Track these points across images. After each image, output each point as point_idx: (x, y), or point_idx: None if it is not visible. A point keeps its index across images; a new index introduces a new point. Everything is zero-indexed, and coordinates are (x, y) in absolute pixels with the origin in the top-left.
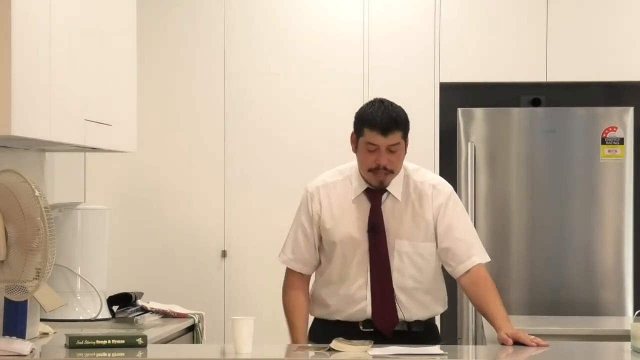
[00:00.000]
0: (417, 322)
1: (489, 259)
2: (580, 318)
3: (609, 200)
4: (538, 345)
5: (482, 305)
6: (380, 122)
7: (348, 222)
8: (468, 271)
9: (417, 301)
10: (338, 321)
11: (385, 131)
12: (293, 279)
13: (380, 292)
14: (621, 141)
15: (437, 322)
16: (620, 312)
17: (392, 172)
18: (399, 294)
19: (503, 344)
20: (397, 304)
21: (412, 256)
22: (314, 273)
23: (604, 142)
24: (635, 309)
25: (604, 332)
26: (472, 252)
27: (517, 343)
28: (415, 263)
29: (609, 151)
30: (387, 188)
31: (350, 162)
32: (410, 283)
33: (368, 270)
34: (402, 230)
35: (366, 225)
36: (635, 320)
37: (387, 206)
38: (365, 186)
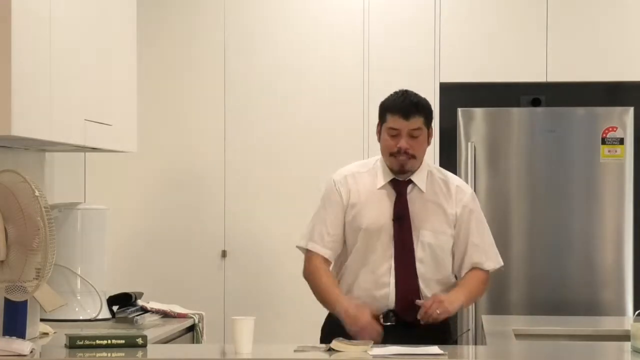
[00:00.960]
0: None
1: (501, 263)
2: (580, 318)
3: (609, 200)
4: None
5: (462, 281)
6: (401, 106)
7: (374, 210)
8: (475, 272)
9: (437, 291)
10: None
11: (406, 115)
12: (317, 263)
13: (404, 280)
14: (621, 141)
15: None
16: (620, 312)
17: (413, 157)
18: (421, 284)
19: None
20: (420, 293)
21: (434, 248)
22: (338, 260)
23: (604, 142)
24: (635, 309)
25: (604, 332)
26: (483, 260)
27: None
28: (436, 255)
29: (609, 151)
30: (412, 179)
31: (373, 157)
32: (432, 274)
33: (392, 257)
34: (426, 222)
35: (391, 214)
36: (635, 320)
37: (412, 197)
38: (391, 176)
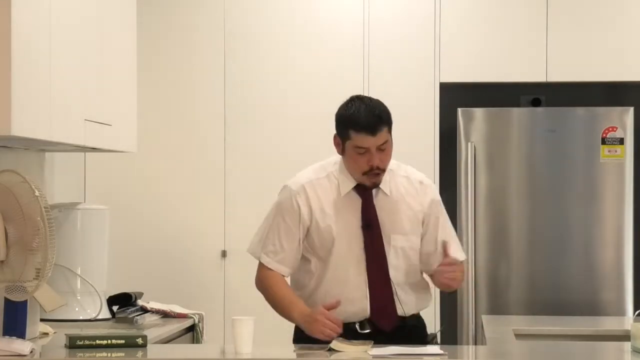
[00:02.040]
0: (412, 315)
1: (465, 257)
2: (580, 318)
3: (609, 200)
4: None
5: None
6: (365, 122)
7: (341, 220)
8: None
9: (412, 295)
10: None
11: (373, 131)
12: (270, 273)
13: (379, 291)
14: (621, 141)
15: (437, 321)
16: (620, 312)
17: (383, 171)
18: (397, 290)
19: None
20: (397, 300)
21: (406, 251)
22: (306, 276)
23: (604, 142)
24: (635, 309)
25: (604, 332)
26: (455, 252)
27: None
28: (408, 257)
29: (609, 151)
30: None
31: (330, 158)
32: (406, 278)
33: (365, 267)
34: (395, 225)
35: (359, 222)
36: (635, 320)
37: (379, 201)
38: (354, 183)
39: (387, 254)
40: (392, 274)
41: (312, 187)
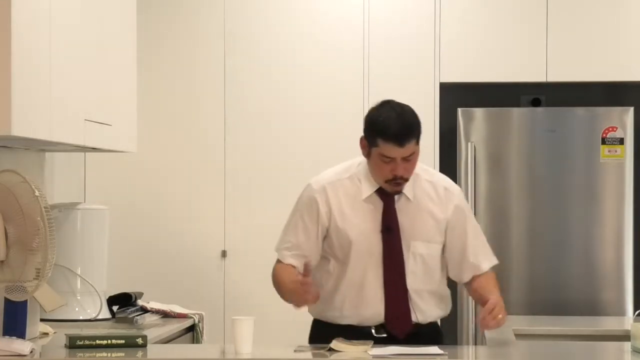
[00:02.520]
0: (429, 323)
1: (496, 261)
2: (580, 318)
3: (609, 200)
4: (490, 317)
5: (479, 290)
6: (394, 133)
7: (360, 223)
8: (476, 276)
9: (430, 303)
10: (349, 325)
11: (401, 142)
12: (282, 265)
13: (394, 296)
14: (621, 141)
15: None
16: (620, 312)
17: (407, 180)
18: (414, 297)
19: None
20: (412, 307)
21: (425, 258)
22: (324, 276)
23: (604, 142)
24: (635, 309)
25: (604, 332)
26: (480, 260)
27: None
28: (428, 265)
29: (609, 151)
30: None
31: (354, 159)
32: (424, 285)
33: (382, 272)
34: (416, 231)
35: (379, 226)
36: (635, 320)
37: (400, 206)
38: (376, 186)
39: (405, 260)
40: (410, 280)
41: (333, 187)
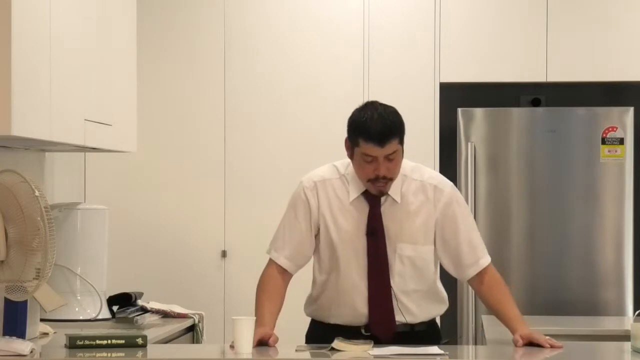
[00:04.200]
0: (421, 322)
1: (489, 260)
2: (580, 318)
3: (609, 200)
4: (552, 346)
5: (496, 307)
6: (375, 132)
7: (346, 225)
8: (478, 274)
9: (420, 304)
10: (339, 325)
11: (381, 141)
12: (270, 272)
13: (377, 299)
14: (621, 141)
15: (437, 321)
16: (620, 312)
17: (391, 180)
18: (402, 298)
19: (516, 345)
20: (399, 308)
21: (413, 260)
22: (316, 274)
23: (604, 142)
24: (635, 309)
25: (604, 332)
26: (479, 255)
27: (532, 344)
28: (417, 266)
29: (609, 151)
30: None
31: (345, 160)
32: (413, 286)
33: (366, 274)
34: (403, 234)
35: (365, 228)
36: (635, 320)
37: (386, 209)
38: (363, 189)
39: (392, 262)
40: (397, 281)
41: (323, 185)
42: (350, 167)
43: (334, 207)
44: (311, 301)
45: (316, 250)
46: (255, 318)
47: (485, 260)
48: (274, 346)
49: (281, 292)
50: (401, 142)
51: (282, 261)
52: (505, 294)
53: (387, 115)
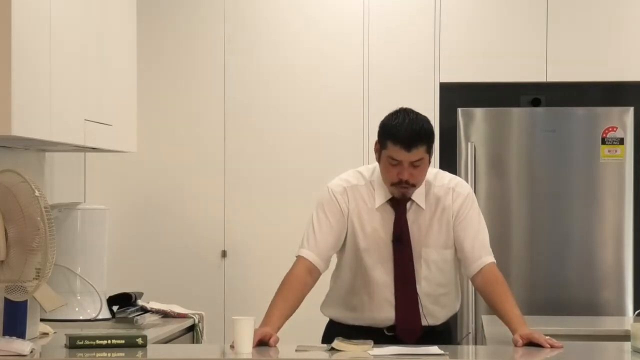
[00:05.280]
0: (441, 323)
1: (491, 260)
2: (580, 318)
3: (609, 200)
4: (552, 346)
5: (496, 306)
6: (403, 136)
7: (373, 230)
8: (480, 271)
9: (442, 307)
10: (361, 326)
11: (409, 146)
12: (296, 272)
13: (404, 304)
14: (621, 141)
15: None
16: (620, 312)
17: (414, 186)
18: (426, 302)
19: (516, 345)
20: (422, 312)
21: (439, 264)
22: (339, 276)
23: (604, 142)
24: (635, 309)
25: (604, 332)
26: (482, 253)
27: (532, 344)
28: (442, 270)
29: (609, 151)
30: (411, 197)
31: (371, 165)
32: (437, 290)
33: (393, 279)
34: (428, 239)
35: (391, 235)
36: (635, 320)
37: (411, 215)
38: (389, 195)
39: (417, 268)
40: (423, 285)
41: (352, 190)
42: (376, 174)
43: (362, 212)
44: (332, 303)
45: (341, 253)
46: (254, 318)
47: (488, 259)
48: (275, 346)
49: (300, 293)
50: (429, 151)
51: (314, 258)
52: (506, 294)
53: (417, 122)
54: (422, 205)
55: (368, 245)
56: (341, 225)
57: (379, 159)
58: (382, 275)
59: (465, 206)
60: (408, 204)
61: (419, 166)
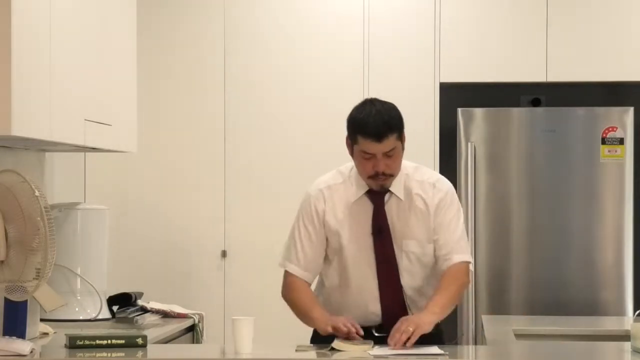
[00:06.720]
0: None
1: (470, 260)
2: (580, 318)
3: (609, 200)
4: (397, 342)
5: (434, 291)
6: (373, 128)
7: (352, 226)
8: (448, 268)
9: (427, 297)
10: None
11: (379, 138)
12: (294, 280)
13: (389, 297)
14: (621, 141)
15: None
16: (620, 312)
17: (391, 176)
18: (412, 295)
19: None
20: (408, 305)
21: (419, 256)
22: (321, 278)
23: (604, 142)
24: (635, 309)
25: (604, 332)
26: (454, 250)
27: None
28: (423, 263)
29: (609, 151)
30: (390, 188)
31: (349, 163)
32: (421, 282)
33: (376, 272)
34: (408, 231)
35: (370, 228)
36: (635, 320)
37: (390, 206)
38: (366, 188)
39: (399, 260)
40: (407, 279)
41: (329, 191)
42: (354, 169)
43: (340, 211)
44: (324, 304)
45: (327, 253)
46: (254, 318)
47: (459, 257)
48: (352, 327)
49: (311, 292)
50: (400, 138)
51: (300, 273)
52: (448, 284)
53: (384, 112)
54: (401, 196)
55: (349, 241)
56: (320, 234)
57: (351, 154)
58: (365, 268)
59: (444, 202)
60: (386, 196)
61: (393, 155)
